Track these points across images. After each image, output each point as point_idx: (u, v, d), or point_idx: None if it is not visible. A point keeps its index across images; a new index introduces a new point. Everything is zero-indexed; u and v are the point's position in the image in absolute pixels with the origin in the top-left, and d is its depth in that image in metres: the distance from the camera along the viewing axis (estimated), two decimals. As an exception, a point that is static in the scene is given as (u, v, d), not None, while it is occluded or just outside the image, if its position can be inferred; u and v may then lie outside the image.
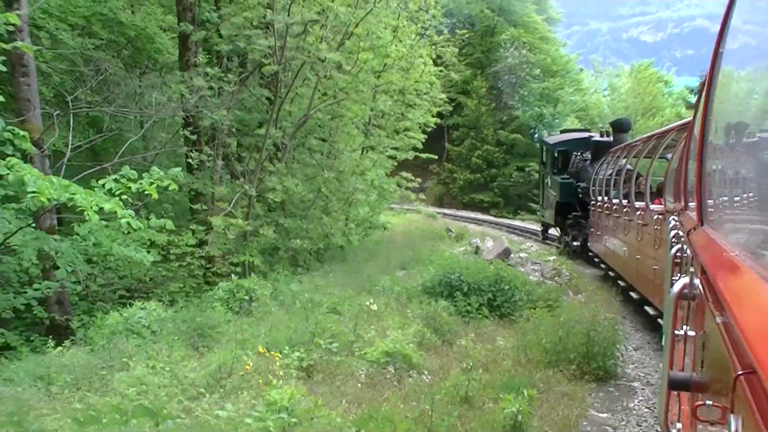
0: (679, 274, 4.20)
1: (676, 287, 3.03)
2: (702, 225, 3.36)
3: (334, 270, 14.50)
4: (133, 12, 19.39)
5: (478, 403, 6.97)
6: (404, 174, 21.64)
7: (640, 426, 7.39)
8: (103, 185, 9.72)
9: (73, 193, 9.18)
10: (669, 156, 12.65)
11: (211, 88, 13.53)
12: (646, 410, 7.88)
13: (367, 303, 10.16)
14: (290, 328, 8.65)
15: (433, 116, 22.12)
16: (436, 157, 35.44)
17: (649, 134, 14.47)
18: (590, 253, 19.59)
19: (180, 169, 10.48)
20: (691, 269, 3.37)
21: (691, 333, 2.94)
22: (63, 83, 15.45)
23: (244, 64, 16.67)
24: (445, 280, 12.22)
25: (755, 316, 1.38)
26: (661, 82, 59.62)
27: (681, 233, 4.82)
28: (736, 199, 2.46)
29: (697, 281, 2.91)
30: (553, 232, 26.16)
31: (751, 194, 2.13)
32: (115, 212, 9.44)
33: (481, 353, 8.97)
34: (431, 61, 19.80)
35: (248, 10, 15.02)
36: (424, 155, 23.44)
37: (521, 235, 30.68)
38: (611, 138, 21.08)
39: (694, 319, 3.05)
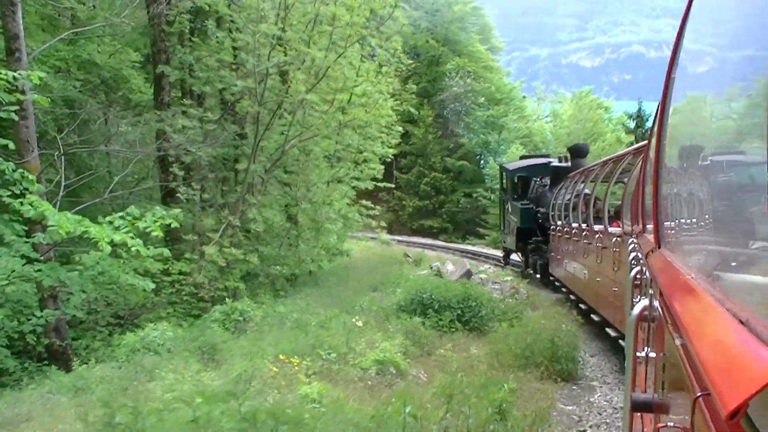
0: (639, 296, 4.34)
1: (636, 309, 3.16)
2: (659, 248, 3.46)
3: (311, 294, 15.64)
4: (99, 51, 20.36)
5: (464, 399, 8.21)
6: (364, 202, 22.76)
7: (600, 415, 8.74)
8: (111, 222, 10.81)
9: (87, 227, 10.26)
10: (626, 179, 12.49)
11: (192, 127, 14.68)
12: (605, 403, 9.24)
13: (354, 320, 11.39)
14: (292, 341, 9.82)
15: (390, 147, 23.26)
16: (393, 185, 36.37)
17: (605, 158, 14.84)
18: (551, 278, 19.93)
19: (179, 210, 11.68)
20: (651, 291, 3.46)
21: (652, 354, 2.99)
22: (45, 123, 16.39)
23: (203, 99, 17.95)
24: (417, 299, 13.49)
25: (710, 340, 1.39)
26: (602, 109, 61.78)
27: (640, 256, 4.98)
28: (692, 221, 2.49)
29: (656, 303, 2.96)
30: (515, 257, 26.49)
31: (706, 217, 2.15)
32: (125, 243, 10.57)
33: (459, 360, 10.22)
34: (390, 97, 21.11)
35: (221, 52, 16.26)
36: (382, 184, 24.41)
37: (475, 258, 31.88)
38: (569, 163, 21.50)
39: (655, 340, 3.05)
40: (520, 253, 25.06)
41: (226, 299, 12.83)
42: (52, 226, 9.97)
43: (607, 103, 64.90)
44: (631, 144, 50.10)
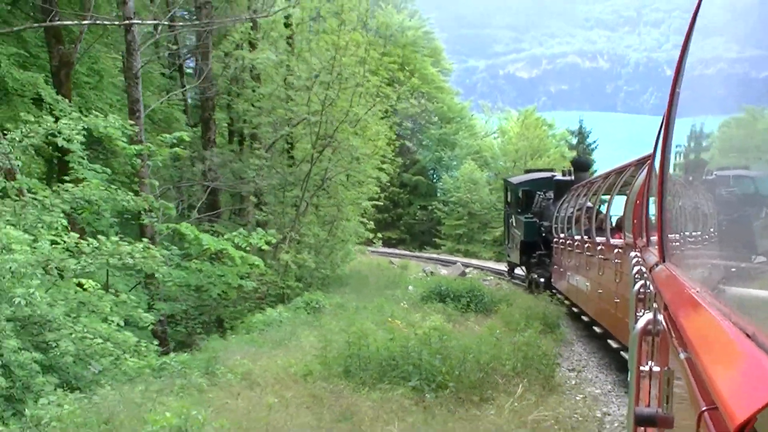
0: (643, 310, 4.35)
1: (640, 323, 3.15)
2: (664, 261, 3.56)
3: (346, 291, 20.42)
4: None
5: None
6: (361, 219, 27.49)
7: (580, 355, 13.91)
8: (232, 239, 15.53)
9: (224, 246, 14.98)
10: (628, 192, 12.25)
11: (262, 166, 19.60)
12: (582, 350, 14.42)
13: (401, 304, 16.30)
14: (372, 316, 14.64)
15: (386, 173, 27.79)
16: (382, 203, 40.26)
17: (608, 171, 15.32)
18: (554, 291, 20.25)
19: (274, 231, 16.50)
20: (655, 305, 3.45)
21: (656, 368, 3.06)
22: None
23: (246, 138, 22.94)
24: (437, 291, 18.42)
25: (717, 354, 1.42)
26: (546, 126, 67.55)
27: (644, 269, 5.09)
28: (697, 235, 2.48)
29: (660, 317, 3.01)
30: (519, 271, 27.50)
31: (711, 231, 2.15)
32: (249, 258, 15.28)
33: (482, 327, 15.20)
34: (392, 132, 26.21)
35: (261, 99, 21.17)
36: (374, 202, 28.80)
37: (448, 264, 36.81)
38: (572, 177, 22.23)
39: (659, 354, 3.09)
40: (524, 267, 25.91)
41: (304, 293, 17.66)
42: (206, 245, 14.68)
43: (551, 121, 70.67)
44: (573, 159, 55.81)
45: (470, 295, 18.13)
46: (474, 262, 33.52)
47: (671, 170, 3.37)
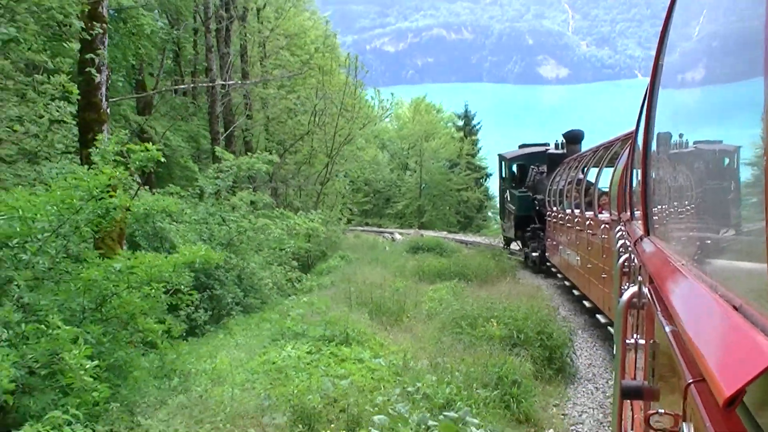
0: (627, 284, 4.60)
1: (625, 297, 3.34)
2: (648, 235, 3.60)
3: (355, 251, 30.42)
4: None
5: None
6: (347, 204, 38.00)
7: (521, 272, 24.60)
8: (297, 219, 25.42)
9: (297, 224, 24.88)
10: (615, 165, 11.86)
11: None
12: (523, 272, 25.07)
13: (404, 254, 26.58)
14: (396, 263, 24.77)
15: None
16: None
17: (597, 145, 15.19)
18: (548, 264, 21.80)
19: (320, 211, 26.57)
20: (639, 278, 3.57)
21: (642, 341, 3.11)
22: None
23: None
24: (415, 246, 28.64)
25: (704, 327, 1.46)
26: (435, 110, 77.86)
27: (628, 243, 5.19)
28: (682, 208, 2.52)
29: (645, 290, 3.04)
30: (515, 246, 28.72)
31: (696, 204, 2.19)
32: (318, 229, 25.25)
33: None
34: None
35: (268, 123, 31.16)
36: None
37: (402, 233, 46.20)
38: (565, 150, 22.59)
39: (644, 327, 3.10)
40: (519, 242, 27.11)
41: (329, 260, 27.74)
42: (296, 224, 24.45)
43: (439, 106, 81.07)
44: (462, 139, 66.34)
45: (438, 248, 28.15)
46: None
47: (654, 144, 3.39)
